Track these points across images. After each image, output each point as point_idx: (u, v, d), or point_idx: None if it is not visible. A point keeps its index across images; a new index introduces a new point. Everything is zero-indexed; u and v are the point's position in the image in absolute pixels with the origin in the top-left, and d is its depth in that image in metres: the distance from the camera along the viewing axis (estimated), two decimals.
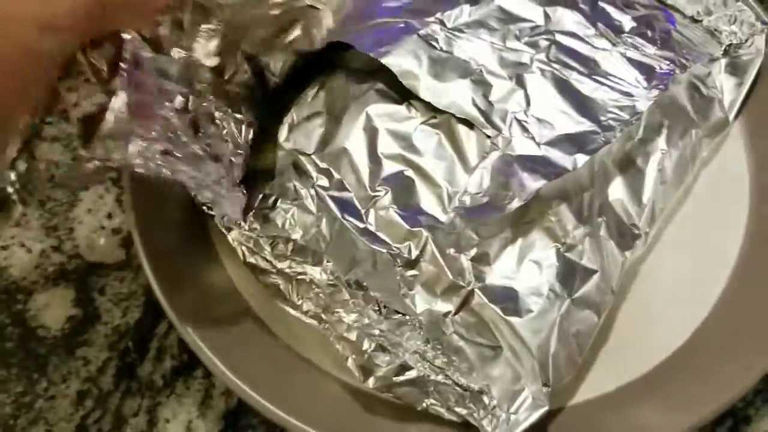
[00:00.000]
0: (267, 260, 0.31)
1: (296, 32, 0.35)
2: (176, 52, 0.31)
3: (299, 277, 0.31)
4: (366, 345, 0.32)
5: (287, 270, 0.31)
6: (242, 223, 0.32)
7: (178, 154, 0.29)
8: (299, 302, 0.32)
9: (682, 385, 0.32)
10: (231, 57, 0.34)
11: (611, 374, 0.33)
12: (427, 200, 0.33)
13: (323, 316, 0.31)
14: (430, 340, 0.31)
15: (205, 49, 0.32)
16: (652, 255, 0.36)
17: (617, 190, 0.34)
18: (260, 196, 0.35)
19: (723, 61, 0.38)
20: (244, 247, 0.33)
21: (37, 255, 0.39)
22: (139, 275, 0.37)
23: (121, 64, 0.28)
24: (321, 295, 0.31)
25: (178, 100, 0.30)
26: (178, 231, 0.36)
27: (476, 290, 0.31)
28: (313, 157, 0.34)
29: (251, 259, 0.32)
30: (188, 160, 0.30)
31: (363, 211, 0.33)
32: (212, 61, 0.33)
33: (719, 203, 0.37)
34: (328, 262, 0.31)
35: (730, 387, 0.31)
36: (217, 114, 0.33)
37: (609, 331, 0.34)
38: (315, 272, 0.31)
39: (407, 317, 0.31)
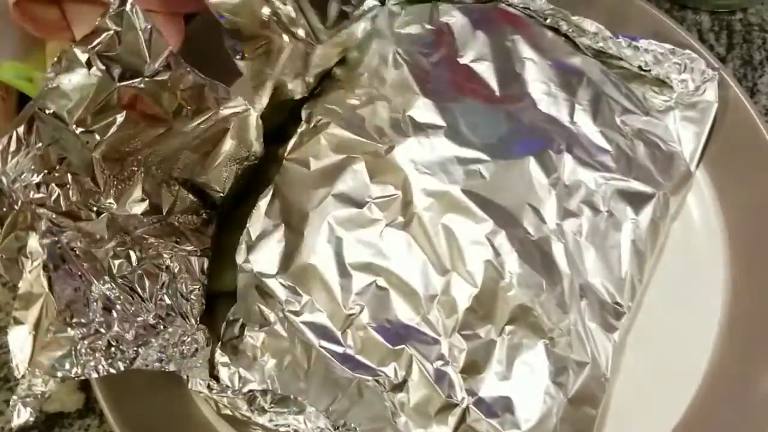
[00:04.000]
0: (244, 415, 0.29)
1: (228, 143, 0.33)
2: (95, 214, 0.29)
3: (282, 429, 0.29)
4: None
5: (268, 424, 0.29)
6: (213, 387, 0.29)
7: (128, 336, 0.27)
8: None
9: None
10: (163, 191, 0.32)
11: None
12: (404, 311, 0.31)
13: None
14: None
15: (128, 197, 0.30)
16: (638, 323, 0.35)
17: (594, 268, 0.33)
18: (224, 324, 0.33)
19: (677, 113, 0.38)
20: (217, 402, 0.31)
21: None
22: (104, 421, 0.35)
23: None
24: None
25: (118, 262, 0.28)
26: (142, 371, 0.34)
27: (471, 406, 0.30)
28: (277, 278, 0.32)
29: (226, 411, 0.29)
30: (142, 336, 0.28)
31: (340, 334, 0.31)
32: (140, 206, 0.30)
33: (694, 255, 0.37)
34: (310, 408, 0.29)
35: None
36: (165, 254, 0.31)
37: (606, 415, 0.33)
38: (299, 422, 0.29)
39: None
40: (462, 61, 0.37)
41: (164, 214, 0.32)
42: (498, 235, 0.32)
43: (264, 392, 0.29)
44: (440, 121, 0.35)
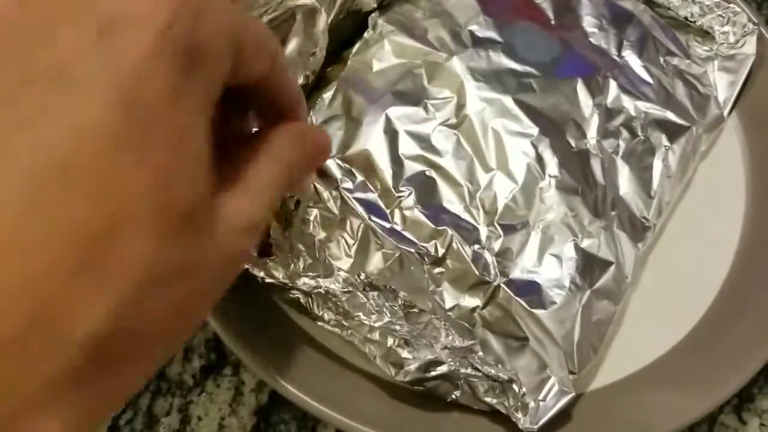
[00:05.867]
0: (282, 280, 0.32)
1: (294, 38, 0.35)
2: None
3: (315, 291, 0.32)
4: (390, 341, 0.32)
5: (303, 287, 0.32)
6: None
7: None
8: (320, 313, 0.33)
9: (694, 368, 0.34)
10: None
11: (627, 360, 0.34)
12: (449, 199, 0.34)
13: (345, 323, 0.32)
14: (458, 334, 0.33)
15: None
16: (659, 244, 0.37)
17: (627, 185, 0.36)
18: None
19: (716, 63, 0.40)
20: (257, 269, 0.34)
21: None
22: None
23: None
24: (338, 303, 0.32)
25: None
26: None
27: (502, 285, 0.32)
28: (335, 159, 0.35)
29: (268, 280, 0.32)
30: None
31: (388, 212, 0.34)
32: None
33: (718, 194, 0.39)
34: (339, 272, 0.32)
35: (742, 368, 0.33)
36: None
37: (624, 318, 0.35)
38: (328, 283, 0.32)
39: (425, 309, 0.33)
40: None
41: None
42: (542, 143, 0.35)
43: (298, 258, 0.33)
44: (498, 38, 0.38)
